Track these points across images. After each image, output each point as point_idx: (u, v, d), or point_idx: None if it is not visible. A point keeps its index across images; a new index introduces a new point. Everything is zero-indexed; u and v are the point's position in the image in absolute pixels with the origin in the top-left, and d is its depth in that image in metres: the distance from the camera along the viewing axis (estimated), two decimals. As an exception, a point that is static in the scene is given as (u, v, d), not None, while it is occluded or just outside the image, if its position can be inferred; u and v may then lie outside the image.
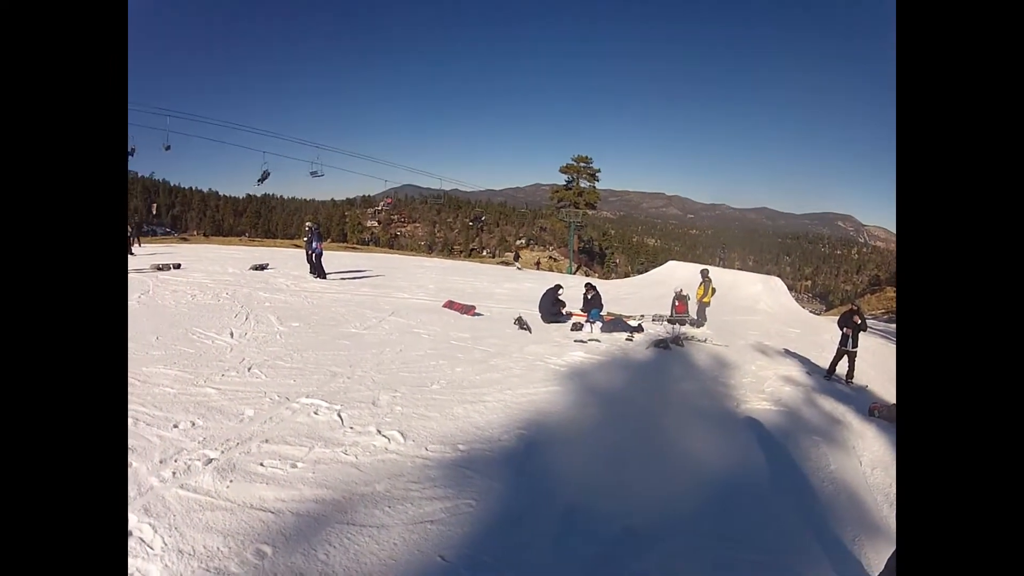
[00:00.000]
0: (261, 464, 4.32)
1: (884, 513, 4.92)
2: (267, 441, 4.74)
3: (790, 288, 29.04)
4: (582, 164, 56.45)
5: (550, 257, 63.64)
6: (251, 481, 4.05)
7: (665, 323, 13.30)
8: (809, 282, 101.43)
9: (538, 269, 46.56)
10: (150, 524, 3.39)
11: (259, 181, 35.02)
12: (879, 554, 4.13)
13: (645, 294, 20.93)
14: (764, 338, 12.71)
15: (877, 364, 11.74)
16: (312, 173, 35.47)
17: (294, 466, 4.35)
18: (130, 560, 3.06)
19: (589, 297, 12.64)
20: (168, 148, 32.44)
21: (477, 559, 3.39)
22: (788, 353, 11.94)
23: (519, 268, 39.58)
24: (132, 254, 19.95)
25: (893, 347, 14.41)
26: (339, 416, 5.47)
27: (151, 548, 3.18)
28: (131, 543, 3.20)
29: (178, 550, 3.19)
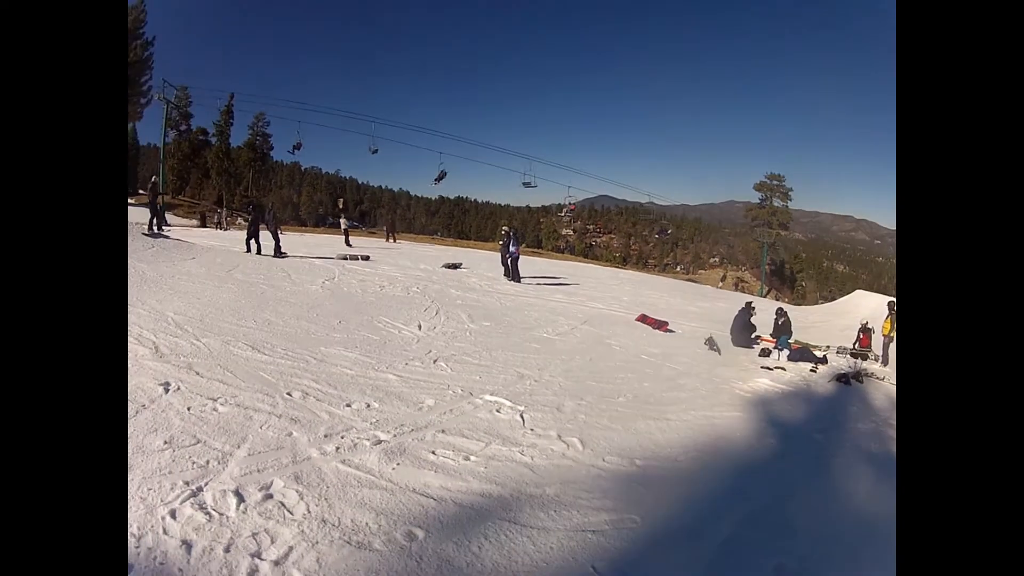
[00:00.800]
0: (433, 452, 4.43)
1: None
2: (443, 431, 4.88)
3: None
4: (775, 182, 55.01)
5: (739, 278, 61.29)
6: (419, 467, 4.15)
7: (848, 356, 12.94)
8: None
9: (735, 290, 44.35)
10: (297, 491, 3.58)
11: (436, 181, 38.48)
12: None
13: (832, 323, 19.35)
14: (937, 380, 10.94)
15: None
16: (525, 184, 38.47)
17: (467, 459, 4.41)
18: (260, 521, 3.22)
19: (780, 322, 12.88)
20: (375, 151, 36.83)
21: (628, 575, 3.34)
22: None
23: (720, 286, 38.14)
24: (349, 245, 21.49)
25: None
26: (521, 417, 5.52)
27: (290, 513, 3.34)
28: (268, 506, 3.38)
29: (321, 519, 3.32)
